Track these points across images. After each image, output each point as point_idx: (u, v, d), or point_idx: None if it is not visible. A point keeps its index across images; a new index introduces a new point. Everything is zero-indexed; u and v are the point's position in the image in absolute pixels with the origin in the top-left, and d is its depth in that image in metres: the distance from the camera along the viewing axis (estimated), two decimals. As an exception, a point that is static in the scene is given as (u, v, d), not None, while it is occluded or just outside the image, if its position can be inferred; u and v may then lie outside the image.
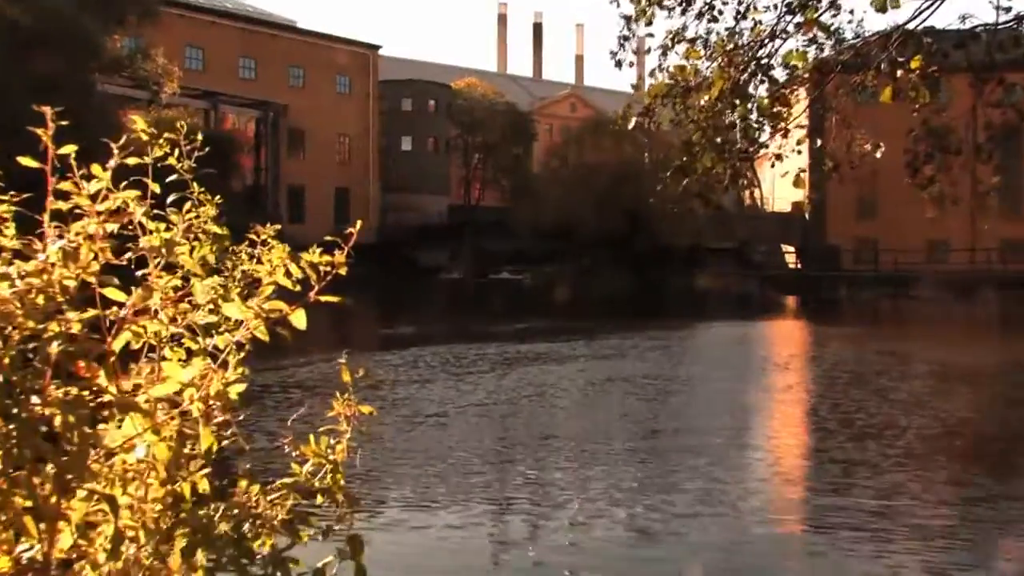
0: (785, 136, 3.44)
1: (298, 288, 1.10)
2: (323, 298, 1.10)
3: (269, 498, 1.02)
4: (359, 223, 1.25)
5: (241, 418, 1.00)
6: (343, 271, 1.14)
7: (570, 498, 4.96)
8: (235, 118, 36.04)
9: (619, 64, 4.30)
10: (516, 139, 50.65)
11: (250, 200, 32.41)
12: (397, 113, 45.65)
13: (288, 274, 1.10)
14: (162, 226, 1.04)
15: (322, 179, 40.67)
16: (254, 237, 1.12)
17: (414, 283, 39.25)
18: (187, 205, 1.10)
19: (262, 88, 37.22)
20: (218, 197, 1.13)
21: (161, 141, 1.08)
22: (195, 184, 1.12)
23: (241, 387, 1.04)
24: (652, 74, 3.88)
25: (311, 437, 1.14)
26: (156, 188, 1.04)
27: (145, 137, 1.05)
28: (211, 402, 1.00)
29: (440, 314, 21.90)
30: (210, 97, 33.65)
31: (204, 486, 0.97)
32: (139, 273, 1.02)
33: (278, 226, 1.16)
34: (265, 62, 38.18)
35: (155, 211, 1.04)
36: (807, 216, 35.19)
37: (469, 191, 54.26)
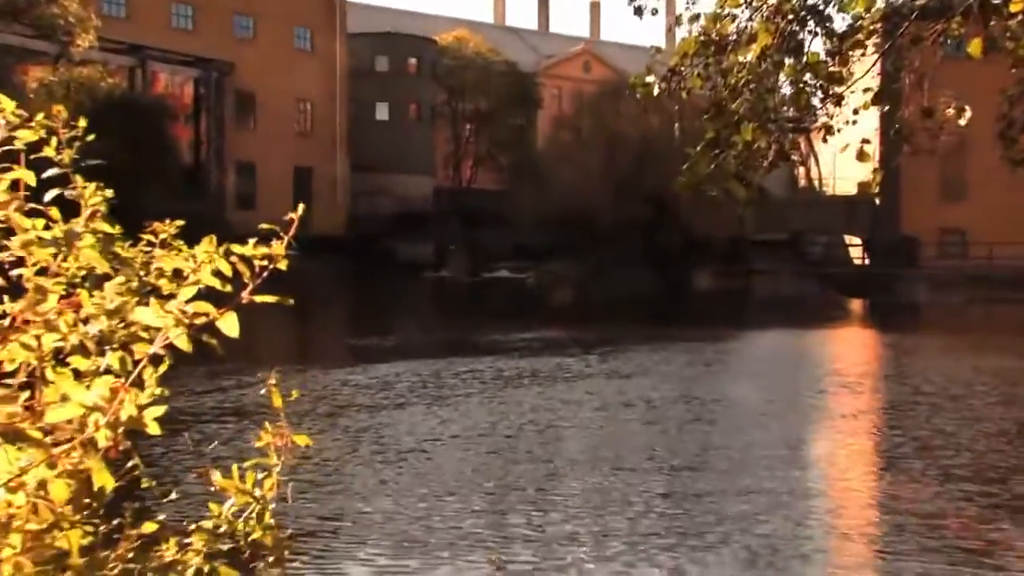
0: (839, 104, 3.34)
1: (228, 288, 1.10)
2: (259, 298, 1.09)
3: (178, 546, 0.99)
4: (300, 208, 1.27)
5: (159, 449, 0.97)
6: (283, 266, 1.11)
7: (580, 558, 4.73)
8: (168, 79, 35.44)
9: (639, 11, 4.32)
10: (517, 106, 50.14)
11: (188, 182, 32.07)
12: (370, 74, 45.43)
13: (220, 273, 1.09)
14: (40, 223, 1.01)
15: (277, 156, 40.60)
16: (151, 237, 1.08)
17: (391, 283, 39.91)
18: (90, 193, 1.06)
19: (202, 41, 36.60)
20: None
21: (35, 124, 1.03)
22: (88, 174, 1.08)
23: (159, 411, 1.01)
24: (679, 22, 3.78)
25: (235, 469, 1.10)
26: (31, 178, 1.01)
27: (13, 119, 0.99)
28: (121, 429, 0.96)
29: (422, 321, 22.07)
30: (136, 52, 32.78)
31: (84, 537, 0.93)
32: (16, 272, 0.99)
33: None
34: (205, 8, 37.64)
35: (34, 205, 1.02)
36: (876, 200, 34.50)
37: (459, 171, 53.79)
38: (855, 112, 3.46)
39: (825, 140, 3.60)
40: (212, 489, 1.10)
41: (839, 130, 3.49)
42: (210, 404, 9.47)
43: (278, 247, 1.05)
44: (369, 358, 13.82)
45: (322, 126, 43.28)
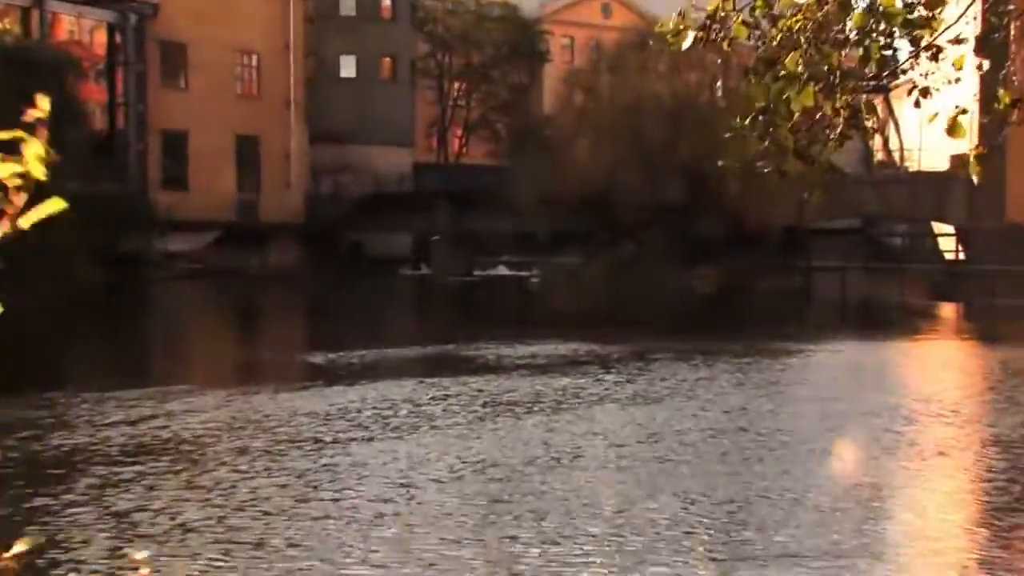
0: (936, 58, 3.34)
1: None
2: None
3: None
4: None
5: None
6: (39, 174, 0.97)
7: None
8: (74, 24, 35.06)
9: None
10: (518, 61, 50.44)
11: (100, 154, 32.03)
12: (332, 20, 45.12)
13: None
14: None
15: (214, 122, 40.53)
16: None
17: (360, 283, 40.36)
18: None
19: (118, -23, 37.31)
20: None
21: None
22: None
23: None
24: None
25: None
26: None
27: None
28: None
29: (397, 332, 22.45)
30: (32, -11, 33.14)
31: None
32: None
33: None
34: (123, -64, 38.50)
35: None
36: (974, 179, 34.58)
37: (445, 142, 54.10)
38: (955, 68, 3.44)
39: (917, 104, 3.54)
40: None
41: (937, 90, 3.47)
42: (117, 438, 9.41)
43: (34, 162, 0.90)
44: (329, 378, 13.97)
45: (271, 85, 43.34)
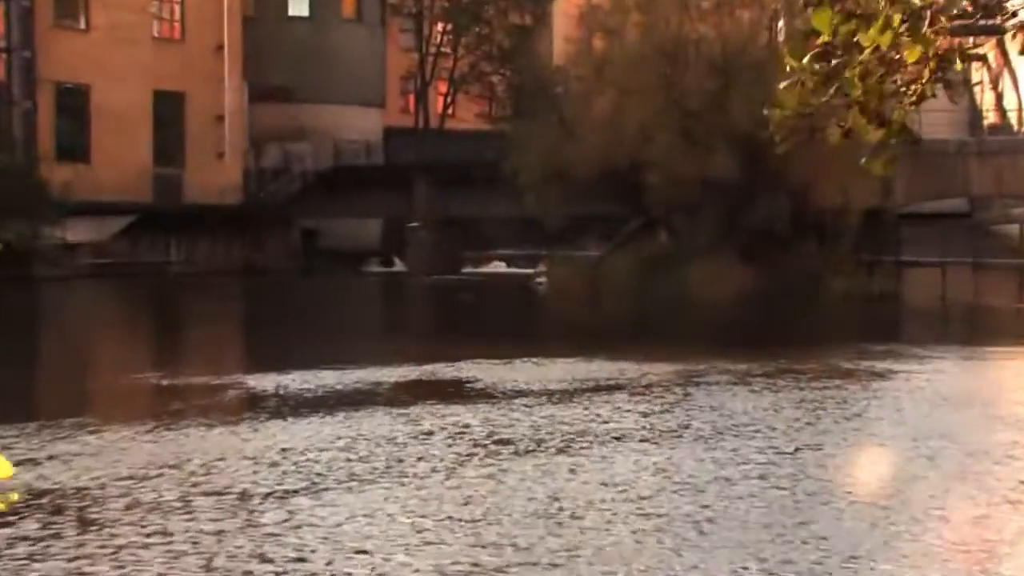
0: None
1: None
2: None
3: None
4: None
5: None
6: None
7: None
8: None
9: None
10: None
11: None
12: (278, -61, 47.45)
13: None
14: None
15: (125, 73, 40.75)
16: None
17: (315, 283, 40.36)
18: None
19: None
20: None
21: None
22: None
23: None
24: None
25: None
26: None
27: None
28: None
29: (360, 347, 22.60)
30: None
31: None
32: None
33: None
34: None
35: None
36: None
37: (425, 100, 54.23)
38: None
39: (1024, 51, 3.61)
40: None
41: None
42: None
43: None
44: (273, 409, 14.06)
45: (199, 28, 43.62)
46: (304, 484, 9.97)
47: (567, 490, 9.78)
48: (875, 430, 13.12)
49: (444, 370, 17.62)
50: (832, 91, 3.51)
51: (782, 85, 3.64)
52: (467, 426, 12.72)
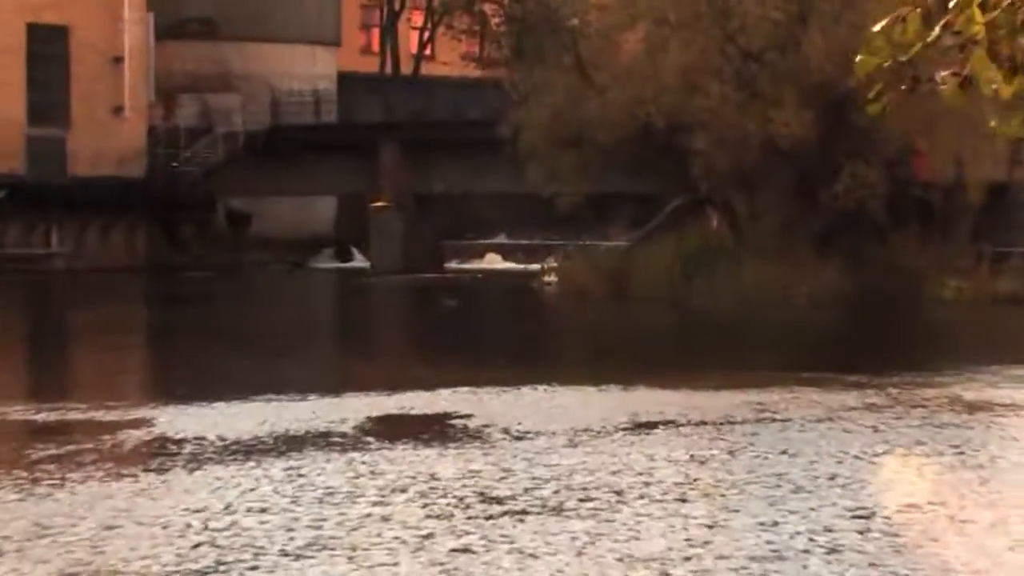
0: None
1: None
2: None
3: None
4: None
5: None
6: None
7: None
8: None
9: None
10: None
11: None
12: None
13: None
14: None
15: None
16: None
17: (247, 283, 40.10)
18: None
19: None
20: None
21: None
22: None
23: None
24: None
25: None
26: None
27: None
28: None
29: (306, 369, 22.81)
30: None
31: None
32: None
33: None
34: None
35: None
36: None
37: (393, 39, 55.41)
38: None
39: None
40: None
41: None
42: None
43: None
44: (188, 456, 13.95)
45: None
46: (225, 561, 9.79)
47: (579, 571, 9.61)
48: (1018, 491, 12.83)
49: (418, 402, 17.55)
50: (941, 27, 3.63)
51: (876, 27, 3.63)
52: (447, 480, 12.58)
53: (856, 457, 13.77)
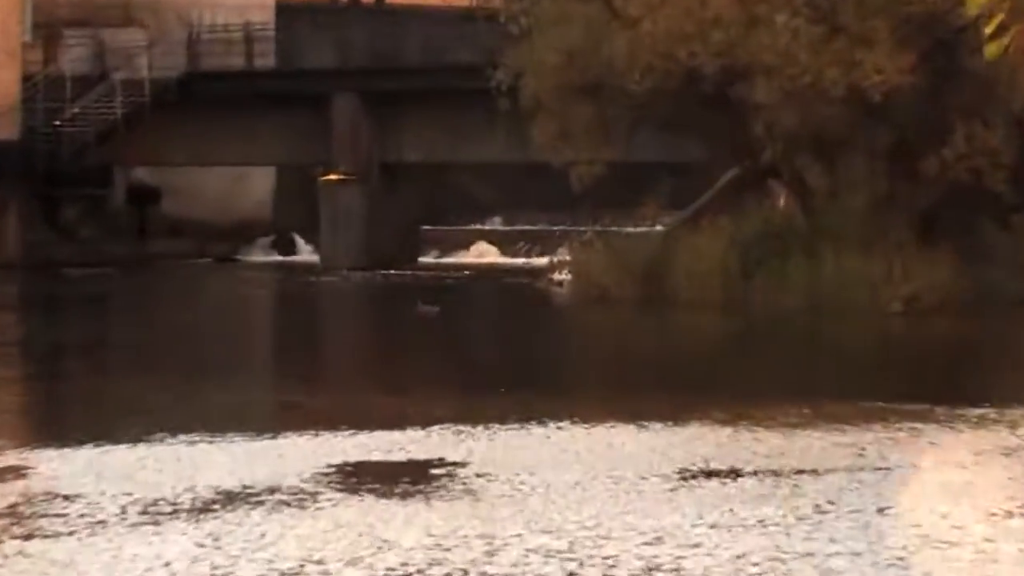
0: None
1: None
2: None
3: None
4: None
5: None
6: None
7: None
8: None
9: None
10: None
11: None
12: None
13: None
14: None
15: None
16: None
17: (154, 280, 39.89)
18: None
19: None
20: None
21: None
22: None
23: None
24: None
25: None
26: None
27: None
28: None
29: (228, 399, 22.75)
30: None
31: None
32: None
33: None
34: None
35: None
36: None
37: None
38: None
39: None
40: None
41: None
42: None
43: None
44: (76, 521, 13.53)
45: None
46: None
47: None
48: None
49: (388, 444, 17.29)
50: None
51: None
52: (428, 554, 12.18)
53: (991, 517, 13.49)
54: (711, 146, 38.51)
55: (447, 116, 42.43)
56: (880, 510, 13.58)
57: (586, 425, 18.34)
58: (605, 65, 35.71)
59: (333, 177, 43.84)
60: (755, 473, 15.54)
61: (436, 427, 18.12)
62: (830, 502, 14.06)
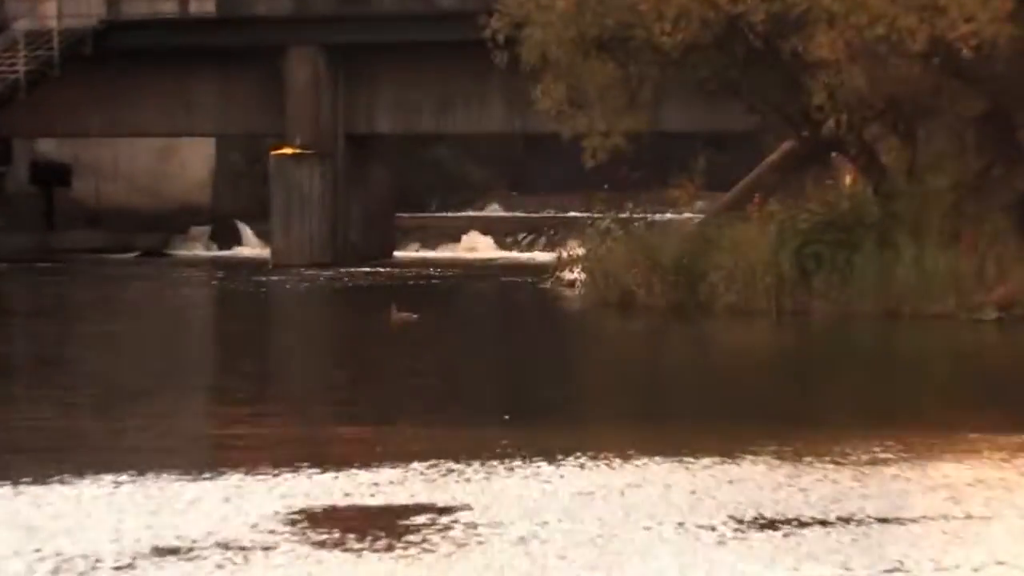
0: None
1: None
2: None
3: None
4: None
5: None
6: None
7: None
8: None
9: None
10: None
11: None
12: None
13: None
14: None
15: None
16: None
17: (63, 280, 39.98)
18: None
19: None
20: None
21: None
22: None
23: None
24: None
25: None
26: None
27: None
28: None
29: (153, 429, 22.82)
30: None
31: None
32: None
33: None
34: None
35: None
36: None
37: None
38: None
39: None
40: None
41: None
42: None
43: None
44: None
45: None
46: None
47: None
48: None
49: (355, 483, 17.23)
50: None
51: None
52: None
53: None
54: (758, 113, 38.39)
55: (430, 76, 42.40)
56: (976, 569, 13.55)
57: (609, 462, 18.16)
58: (628, 12, 35.70)
59: (287, 152, 43.86)
60: (822, 522, 15.42)
61: (418, 464, 17.95)
62: (917, 560, 14.14)
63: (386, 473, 17.75)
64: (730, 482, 17.20)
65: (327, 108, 44.25)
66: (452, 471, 17.71)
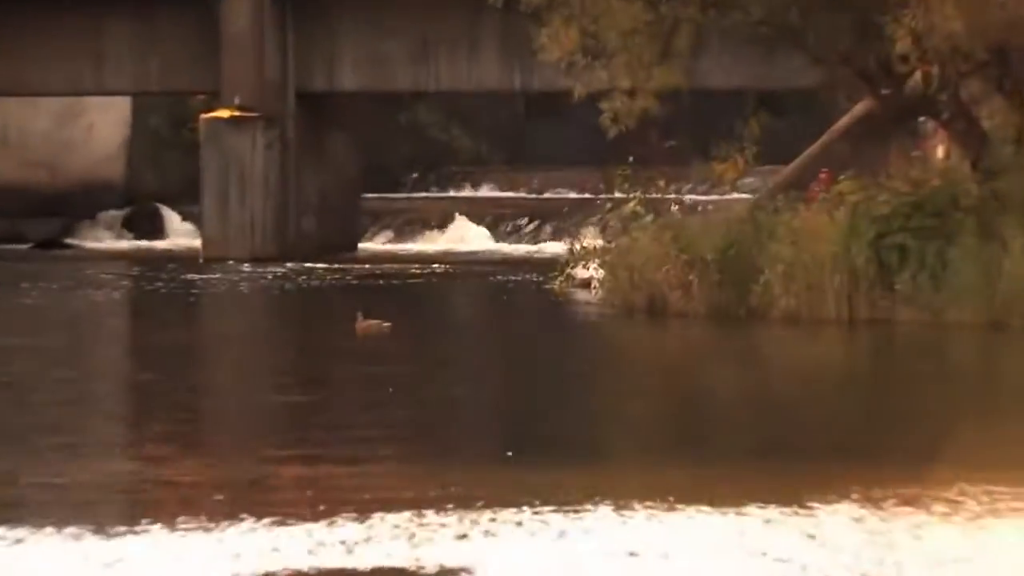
0: None
1: None
2: None
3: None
4: None
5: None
6: None
7: None
8: None
9: None
10: None
11: None
12: None
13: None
14: None
15: None
16: None
17: None
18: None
19: None
20: None
21: None
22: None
23: None
24: None
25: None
26: None
27: None
28: None
29: (90, 476, 22.45)
30: None
31: None
32: None
33: None
34: None
35: None
36: None
37: None
38: None
39: None
40: None
41: None
42: None
43: None
44: None
45: None
46: None
47: None
48: None
49: (327, 539, 17.14)
50: None
51: None
52: None
53: None
54: (825, 66, 38.45)
55: (405, 18, 42.43)
56: None
57: (648, 512, 18.04)
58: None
59: (223, 114, 43.86)
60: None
61: (404, 512, 17.80)
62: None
63: (362, 527, 17.47)
64: (804, 536, 17.00)
65: (273, 60, 44.25)
66: (442, 524, 17.47)
